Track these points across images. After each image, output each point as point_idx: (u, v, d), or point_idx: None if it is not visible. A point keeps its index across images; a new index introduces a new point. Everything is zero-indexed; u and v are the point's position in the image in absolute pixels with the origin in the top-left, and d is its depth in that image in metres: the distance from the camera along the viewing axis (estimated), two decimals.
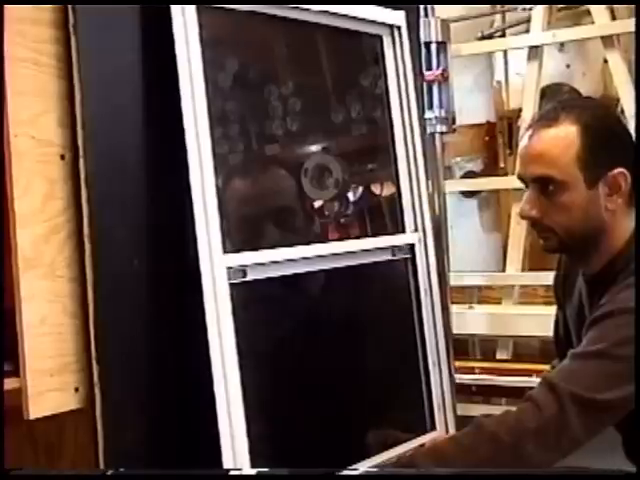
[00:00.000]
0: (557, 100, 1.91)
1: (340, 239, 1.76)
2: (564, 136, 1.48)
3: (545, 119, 1.52)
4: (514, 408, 1.45)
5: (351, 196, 1.83)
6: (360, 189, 1.85)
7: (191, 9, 1.48)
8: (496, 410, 2.63)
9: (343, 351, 1.71)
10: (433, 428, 1.87)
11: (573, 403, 1.38)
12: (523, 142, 1.54)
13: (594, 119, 1.51)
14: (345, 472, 1.29)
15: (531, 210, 1.52)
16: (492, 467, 1.38)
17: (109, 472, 1.27)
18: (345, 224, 1.80)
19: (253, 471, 1.36)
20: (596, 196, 1.49)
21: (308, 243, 1.66)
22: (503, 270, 2.81)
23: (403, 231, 1.89)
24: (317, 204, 1.76)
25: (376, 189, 1.90)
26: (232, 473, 1.32)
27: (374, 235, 1.85)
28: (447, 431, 1.89)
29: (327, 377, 1.59)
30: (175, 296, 1.48)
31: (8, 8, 1.29)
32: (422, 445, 1.77)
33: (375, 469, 1.55)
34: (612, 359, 1.40)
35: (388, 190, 1.91)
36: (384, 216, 1.90)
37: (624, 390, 1.38)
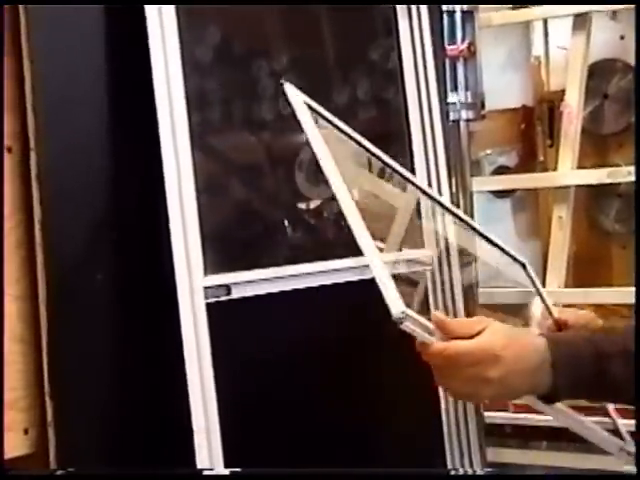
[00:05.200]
0: None
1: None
2: None
3: None
4: None
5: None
6: None
7: None
8: (536, 455, 2.65)
9: (343, 377, 1.72)
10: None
11: None
12: None
13: None
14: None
15: None
16: None
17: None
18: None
19: (227, 471, 1.42)
20: None
21: (307, 259, 1.67)
22: (543, 285, 2.81)
23: (421, 241, 1.89)
24: (313, 204, 1.76)
25: None
26: (206, 473, 1.37)
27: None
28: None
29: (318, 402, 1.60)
30: (146, 317, 1.48)
31: None
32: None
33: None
34: None
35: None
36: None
37: None
